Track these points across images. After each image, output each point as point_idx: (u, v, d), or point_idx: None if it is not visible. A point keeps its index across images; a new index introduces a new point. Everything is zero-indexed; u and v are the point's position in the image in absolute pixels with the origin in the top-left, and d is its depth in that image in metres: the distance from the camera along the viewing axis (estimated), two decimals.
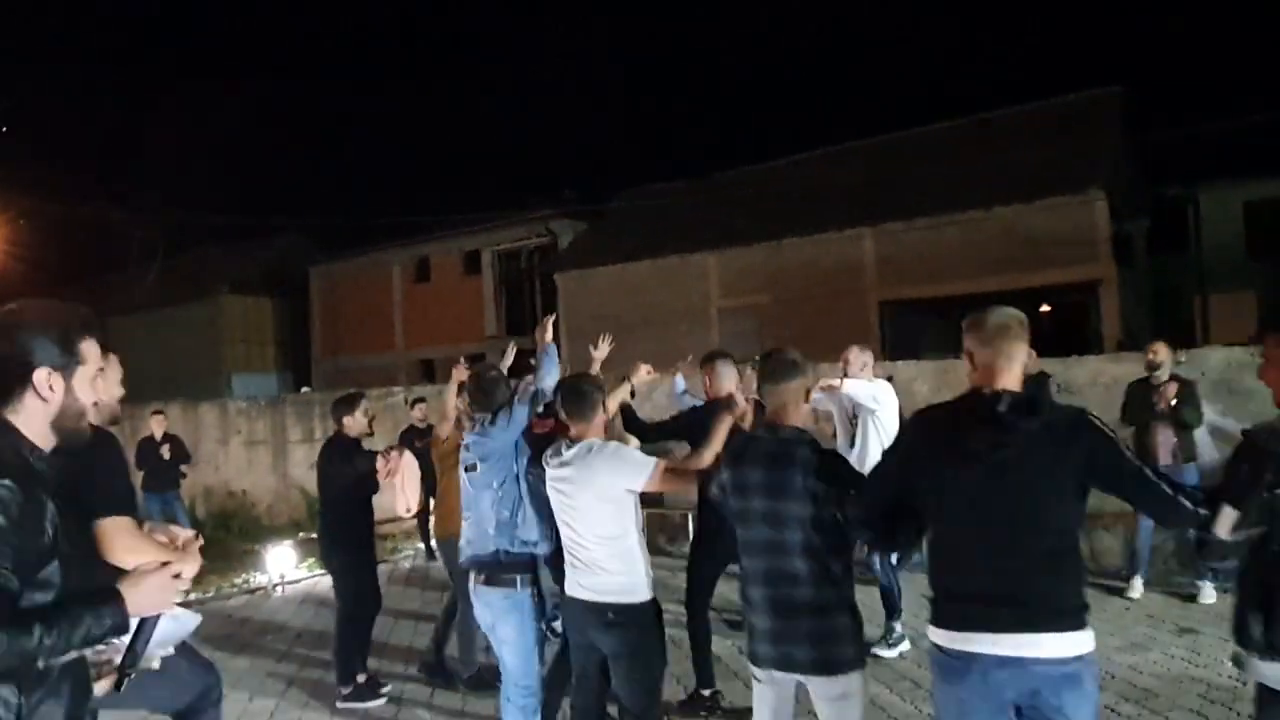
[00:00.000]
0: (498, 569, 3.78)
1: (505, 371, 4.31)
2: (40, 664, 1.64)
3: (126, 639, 1.81)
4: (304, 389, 22.92)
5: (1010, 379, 2.44)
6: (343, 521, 5.32)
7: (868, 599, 3.01)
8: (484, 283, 23.40)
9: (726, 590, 5.96)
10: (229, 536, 12.01)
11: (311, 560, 8.87)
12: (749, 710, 4.49)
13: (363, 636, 5.38)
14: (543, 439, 3.86)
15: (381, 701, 5.21)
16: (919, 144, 17.77)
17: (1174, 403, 6.25)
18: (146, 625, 1.85)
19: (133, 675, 1.91)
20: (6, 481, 1.64)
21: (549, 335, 4.33)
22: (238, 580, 8.96)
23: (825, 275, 16.12)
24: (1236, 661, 2.52)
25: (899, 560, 5.65)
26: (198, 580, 3.20)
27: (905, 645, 5.52)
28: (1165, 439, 6.28)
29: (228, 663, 5.81)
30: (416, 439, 8.51)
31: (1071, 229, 13.77)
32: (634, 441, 4.70)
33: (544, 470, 3.51)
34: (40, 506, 1.69)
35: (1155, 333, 8.99)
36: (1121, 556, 6.83)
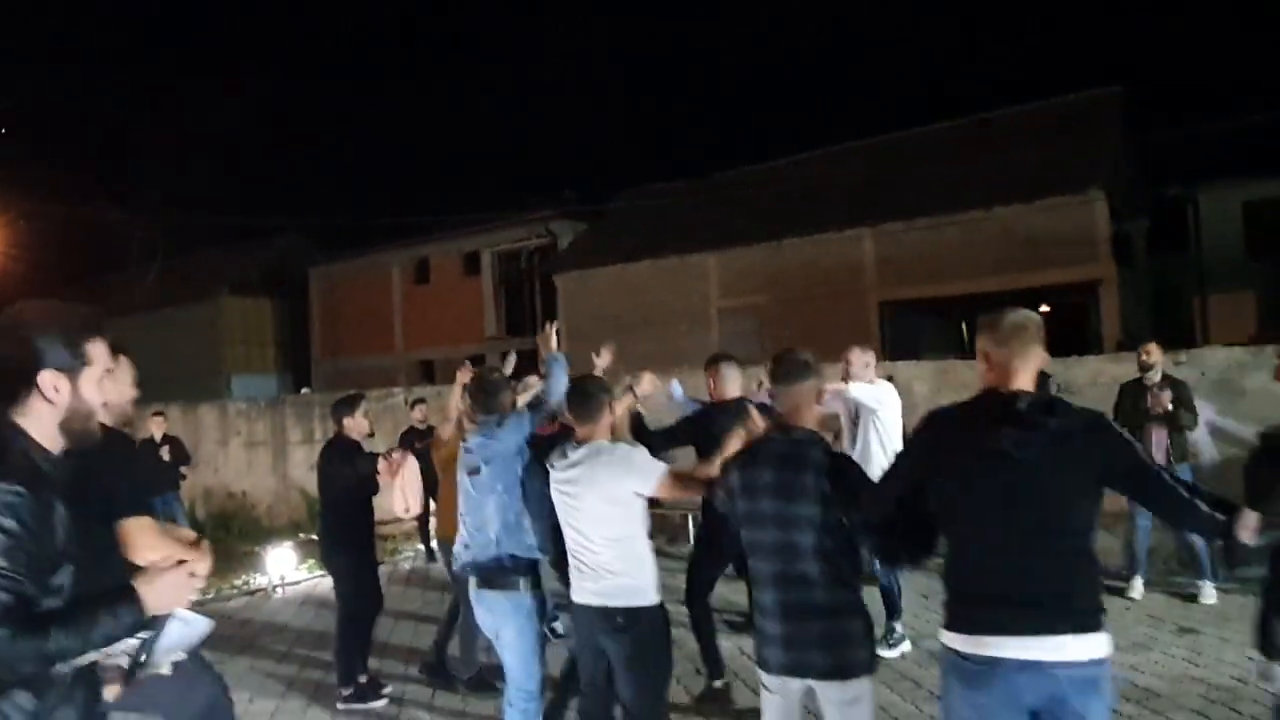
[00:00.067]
0: (500, 573, 3.75)
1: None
2: (60, 667, 1.63)
3: (138, 641, 1.80)
4: (304, 390, 22.93)
5: (1026, 380, 2.43)
6: (343, 523, 5.31)
7: (868, 599, 2.99)
8: (484, 283, 23.39)
9: (726, 591, 5.97)
10: (229, 538, 11.99)
11: (312, 561, 8.88)
12: (750, 711, 4.49)
13: (364, 638, 5.38)
14: (545, 441, 3.84)
15: (382, 703, 5.20)
16: (919, 144, 17.77)
17: (1170, 408, 6.28)
18: (159, 625, 1.84)
19: (142, 676, 1.89)
20: (17, 487, 1.63)
21: (554, 343, 4.26)
22: (238, 582, 8.95)
23: (825, 275, 16.12)
24: (1264, 675, 2.49)
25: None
26: None
27: (906, 645, 5.52)
28: (1159, 439, 6.31)
29: (228, 664, 5.81)
30: (417, 440, 8.50)
31: (1071, 229, 13.77)
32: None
33: (547, 473, 3.50)
34: (51, 510, 1.68)
35: (1155, 333, 9.00)
36: (1122, 557, 6.83)
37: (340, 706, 5.17)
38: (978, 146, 16.35)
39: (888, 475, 2.72)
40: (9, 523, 1.60)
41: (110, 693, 1.88)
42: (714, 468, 3.23)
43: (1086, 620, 2.31)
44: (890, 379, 6.26)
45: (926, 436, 2.60)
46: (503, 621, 3.75)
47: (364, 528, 5.39)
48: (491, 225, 22.83)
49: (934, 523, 2.61)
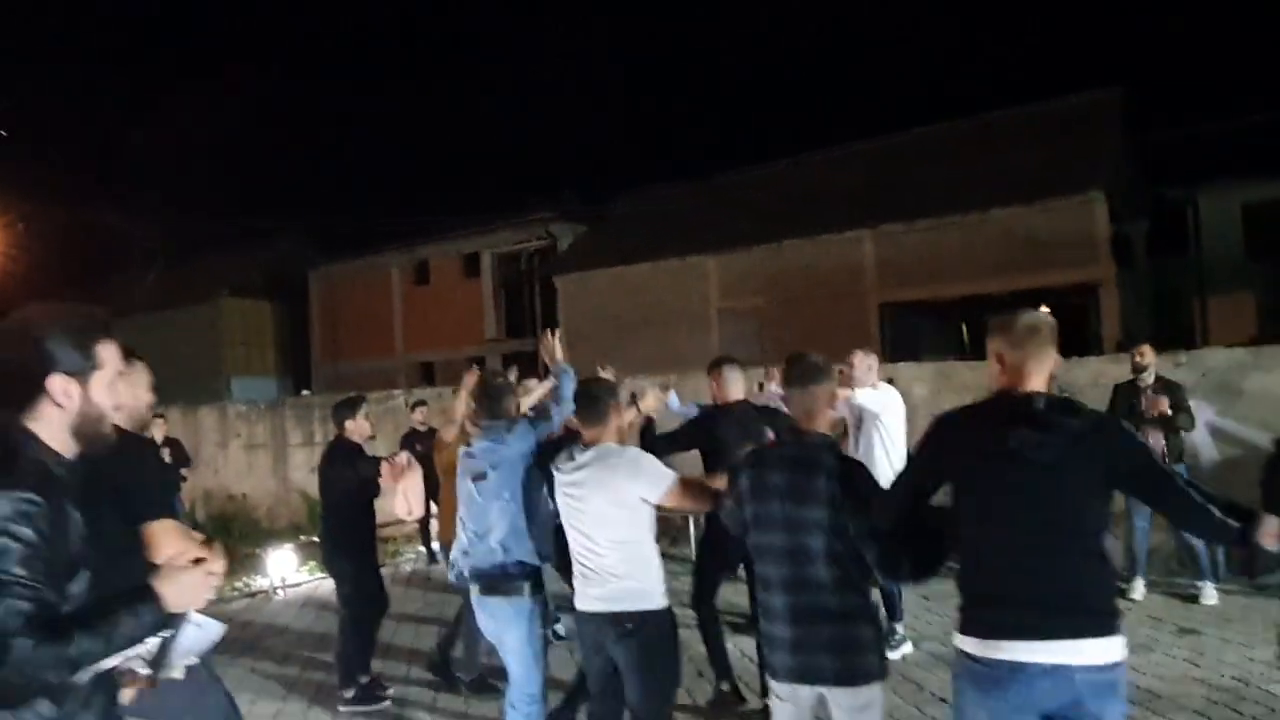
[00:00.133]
0: (503, 578, 3.71)
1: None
2: (84, 671, 1.62)
3: (155, 643, 1.78)
4: (304, 392, 22.96)
5: (1039, 381, 2.41)
6: (345, 526, 5.32)
7: None
8: (483, 285, 23.41)
9: (727, 593, 5.95)
10: (229, 540, 11.99)
11: (312, 564, 8.88)
12: (753, 713, 4.48)
13: (367, 639, 5.38)
14: (550, 445, 3.82)
15: (384, 705, 5.20)
16: (919, 146, 17.78)
17: (1169, 412, 6.29)
18: (177, 624, 1.81)
19: (160, 679, 1.87)
20: (31, 495, 1.61)
21: (560, 353, 4.21)
22: (238, 584, 8.94)
23: (825, 277, 16.12)
24: None
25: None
26: None
27: (908, 647, 5.51)
28: (1154, 441, 6.31)
29: (228, 666, 5.80)
30: (417, 442, 8.52)
31: (1072, 230, 13.78)
32: None
33: (547, 478, 3.48)
34: (65, 517, 1.67)
35: (1155, 334, 9.01)
36: (1123, 558, 6.84)
37: (342, 709, 5.17)
38: (978, 148, 16.36)
39: (899, 480, 2.67)
40: (26, 531, 1.58)
41: (127, 695, 1.86)
42: (722, 480, 3.19)
43: (1105, 623, 2.29)
44: (891, 381, 6.26)
45: (939, 440, 2.55)
46: (506, 626, 3.73)
47: (365, 530, 5.39)
48: (491, 227, 22.85)
49: (940, 542, 2.58)
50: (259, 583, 8.80)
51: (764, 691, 4.58)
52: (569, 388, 3.96)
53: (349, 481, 5.21)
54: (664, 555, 3.43)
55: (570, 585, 3.48)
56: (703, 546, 5.20)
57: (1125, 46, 54.26)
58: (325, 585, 8.01)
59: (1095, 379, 7.64)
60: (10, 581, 1.55)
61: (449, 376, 19.86)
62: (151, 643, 1.77)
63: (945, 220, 14.88)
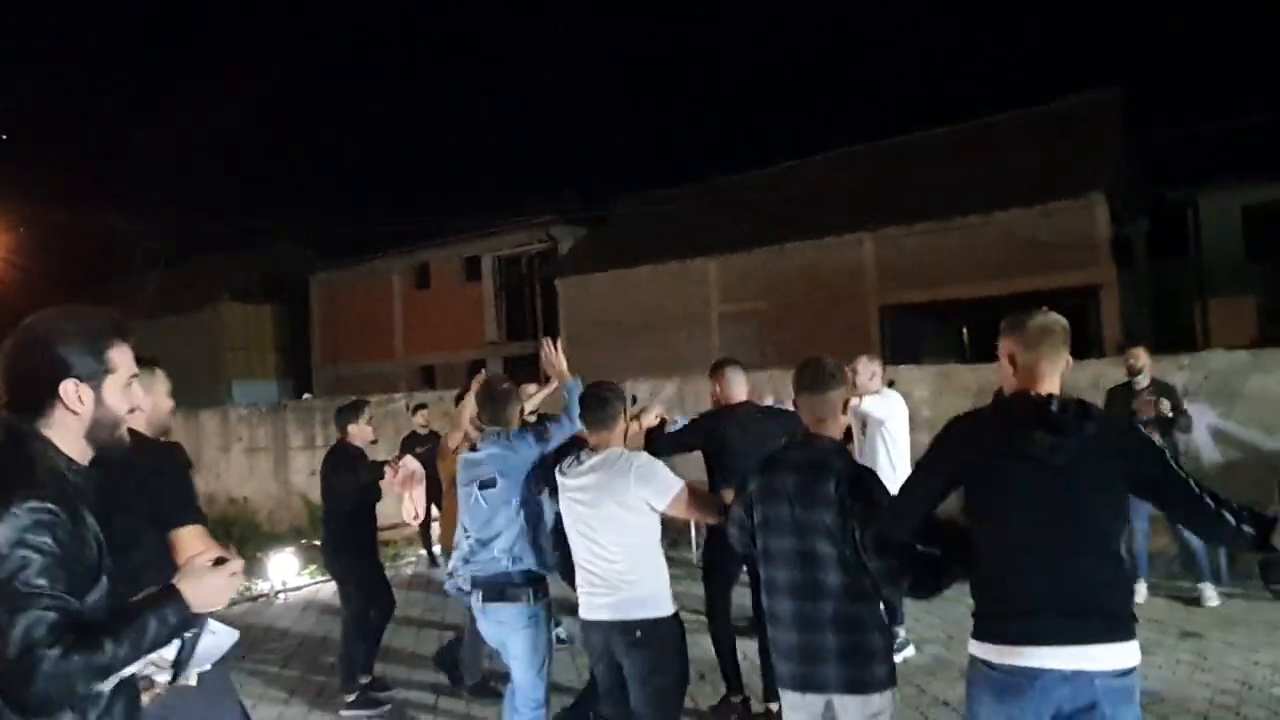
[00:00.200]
0: (509, 585, 3.67)
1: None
2: (114, 677, 1.60)
3: (174, 651, 1.76)
4: (304, 396, 22.92)
5: (1053, 383, 2.38)
6: (346, 529, 5.32)
7: None
8: (484, 289, 23.40)
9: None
10: (229, 544, 11.99)
11: (314, 567, 8.87)
12: (756, 716, 4.48)
13: (369, 642, 5.38)
14: (555, 451, 3.79)
15: (385, 708, 5.20)
16: (919, 148, 17.78)
17: (1170, 415, 6.28)
18: (200, 625, 1.79)
19: (179, 683, 1.84)
20: (49, 504, 1.59)
21: (564, 364, 4.13)
22: (239, 587, 8.94)
23: (826, 280, 16.12)
24: None
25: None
26: None
27: (910, 651, 5.50)
28: None
29: (230, 669, 5.79)
30: (418, 445, 8.52)
31: (1072, 233, 13.78)
32: None
33: (548, 484, 3.46)
34: (83, 524, 1.64)
35: (1156, 336, 9.00)
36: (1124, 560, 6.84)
37: (344, 713, 5.17)
38: (978, 150, 16.37)
39: (909, 486, 2.59)
40: (46, 541, 1.56)
41: (148, 696, 1.84)
42: (730, 495, 3.17)
43: (1123, 627, 2.27)
44: (892, 384, 6.26)
45: (951, 443, 2.49)
46: (510, 633, 3.70)
47: (367, 534, 5.40)
48: (492, 230, 22.84)
49: (943, 566, 2.56)
50: (260, 586, 8.80)
51: (766, 696, 4.59)
52: (577, 407, 3.83)
53: (350, 485, 5.22)
54: (666, 558, 3.43)
55: (574, 589, 3.45)
56: (708, 546, 5.20)
57: (1125, 47, 54.33)
58: (326, 589, 8.02)
59: (1096, 381, 7.63)
60: (33, 593, 1.54)
61: (450, 380, 19.86)
62: (169, 648, 1.75)
63: (946, 223, 14.89)
